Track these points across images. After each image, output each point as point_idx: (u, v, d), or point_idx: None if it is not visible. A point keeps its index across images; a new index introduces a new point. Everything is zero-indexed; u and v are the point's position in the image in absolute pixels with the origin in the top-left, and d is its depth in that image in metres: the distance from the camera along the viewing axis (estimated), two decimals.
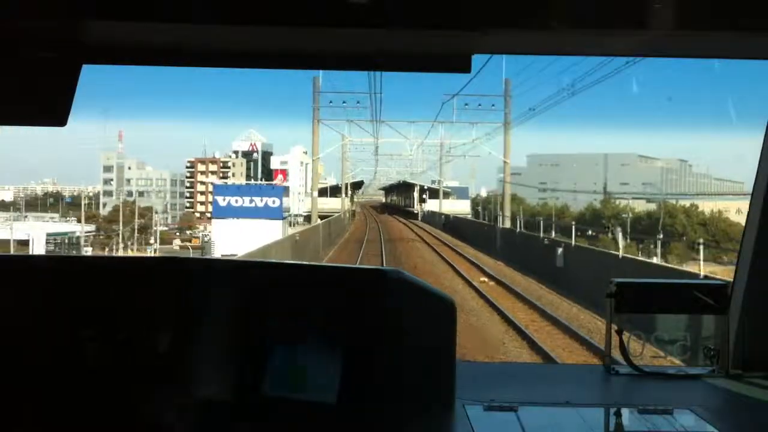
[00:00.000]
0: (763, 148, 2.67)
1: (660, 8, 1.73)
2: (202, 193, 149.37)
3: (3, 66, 1.84)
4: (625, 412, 2.40)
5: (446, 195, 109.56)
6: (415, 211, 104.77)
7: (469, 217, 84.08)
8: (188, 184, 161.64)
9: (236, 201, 58.64)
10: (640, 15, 1.75)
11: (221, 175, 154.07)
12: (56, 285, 2.23)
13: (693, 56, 2.14)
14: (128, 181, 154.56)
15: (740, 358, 2.70)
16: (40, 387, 2.14)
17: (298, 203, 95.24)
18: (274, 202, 57.93)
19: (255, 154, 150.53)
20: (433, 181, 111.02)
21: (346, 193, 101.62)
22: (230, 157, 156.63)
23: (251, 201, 59.37)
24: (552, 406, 2.37)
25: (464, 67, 2.00)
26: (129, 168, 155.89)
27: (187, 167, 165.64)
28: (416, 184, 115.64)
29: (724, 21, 1.75)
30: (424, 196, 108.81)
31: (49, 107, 1.91)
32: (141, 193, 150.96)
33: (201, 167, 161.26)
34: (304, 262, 2.66)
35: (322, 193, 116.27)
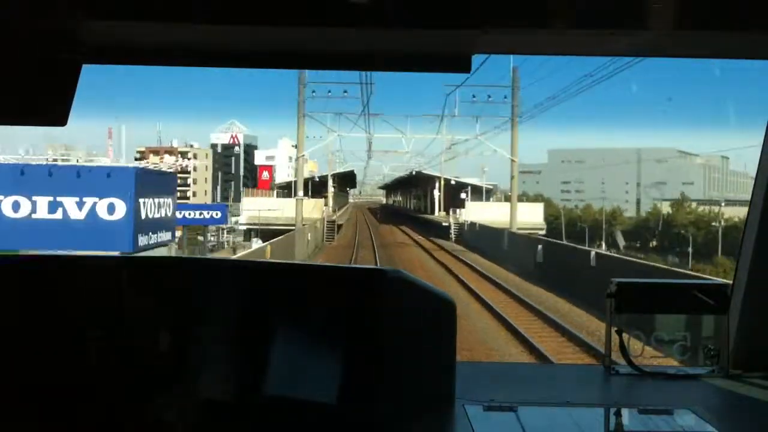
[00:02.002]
0: (763, 148, 2.83)
1: (660, 8, 1.85)
2: None
3: (3, 66, 1.98)
4: (625, 412, 2.56)
5: (477, 195, 74.76)
6: (444, 223, 63.64)
7: (545, 233, 49.88)
8: None
9: (30, 208, 23.84)
10: (640, 15, 1.88)
11: (178, 169, 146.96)
12: (56, 284, 2.36)
13: (693, 56, 2.31)
14: None
15: (740, 358, 2.86)
16: (40, 387, 2.28)
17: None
18: (112, 209, 24.29)
19: (237, 148, 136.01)
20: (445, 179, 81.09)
21: (308, 192, 67.36)
22: (191, 146, 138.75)
23: (58, 206, 24.00)
24: (552, 406, 2.52)
25: (464, 67, 2.16)
26: (77, 161, 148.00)
27: (136, 159, 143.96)
28: (438, 177, 78.68)
29: (724, 21, 1.88)
30: (463, 195, 71.90)
31: (49, 107, 2.06)
32: None
33: (153, 159, 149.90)
34: (304, 262, 2.84)
35: (285, 191, 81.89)
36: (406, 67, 2.26)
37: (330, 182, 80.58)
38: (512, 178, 53.04)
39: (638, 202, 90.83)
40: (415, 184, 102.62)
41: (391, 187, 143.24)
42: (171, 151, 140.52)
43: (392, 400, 2.30)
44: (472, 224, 56.05)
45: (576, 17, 1.91)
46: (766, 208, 2.83)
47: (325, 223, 61.29)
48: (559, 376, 3.17)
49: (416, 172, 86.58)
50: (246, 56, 2.15)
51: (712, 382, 2.85)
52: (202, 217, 47.27)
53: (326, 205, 70.17)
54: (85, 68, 2.09)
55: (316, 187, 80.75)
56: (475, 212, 61.08)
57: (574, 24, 1.92)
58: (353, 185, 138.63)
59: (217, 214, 48.62)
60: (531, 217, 56.83)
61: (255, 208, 64.52)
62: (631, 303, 2.91)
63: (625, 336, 2.92)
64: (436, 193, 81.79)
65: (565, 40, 2.09)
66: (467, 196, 71.83)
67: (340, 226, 68.12)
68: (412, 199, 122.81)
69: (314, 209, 61.79)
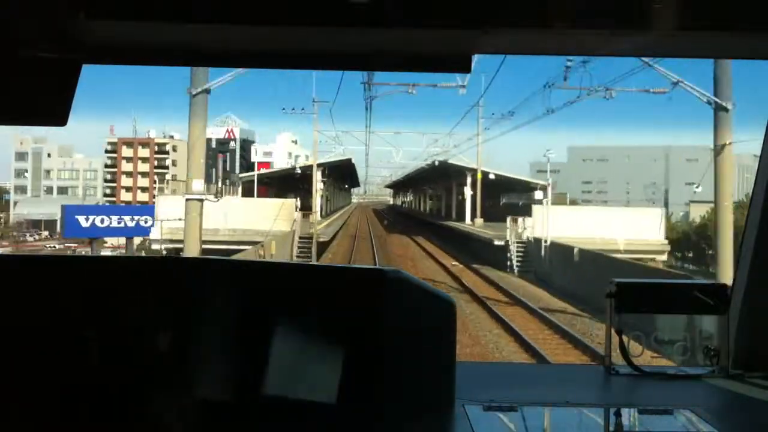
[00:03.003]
0: (763, 148, 2.91)
1: (660, 8, 1.90)
2: (127, 188, 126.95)
3: (3, 66, 2.03)
4: (625, 412, 2.64)
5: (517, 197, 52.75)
6: (497, 241, 41.46)
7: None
8: (108, 176, 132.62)
9: None
10: (640, 15, 1.93)
11: (156, 163, 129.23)
12: (56, 284, 2.42)
13: (693, 56, 2.40)
14: (48, 172, 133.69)
15: (740, 358, 2.94)
16: (39, 387, 2.33)
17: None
18: None
19: (232, 143, 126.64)
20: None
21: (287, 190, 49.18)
22: (170, 137, 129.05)
23: None
24: (552, 406, 2.60)
25: (464, 67, 2.24)
26: (49, 155, 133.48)
27: (107, 151, 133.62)
28: (472, 169, 54.74)
29: (724, 21, 1.94)
30: (539, 194, 45.62)
31: (49, 107, 2.12)
32: (64, 189, 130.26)
33: (127, 152, 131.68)
34: (304, 262, 2.94)
35: (246, 189, 57.13)
36: (406, 67, 2.34)
37: (317, 176, 55.07)
38: (718, 149, 21.15)
39: (666, 205, 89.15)
40: (433, 179, 79.61)
41: (400, 185, 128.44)
42: (147, 142, 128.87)
43: (392, 400, 2.36)
44: (557, 246, 33.12)
45: (576, 17, 1.96)
46: (766, 208, 2.91)
47: (296, 241, 39.07)
48: (559, 376, 3.24)
49: (439, 162, 62.20)
50: (246, 56, 2.22)
51: (712, 382, 2.92)
52: (121, 225, 33.25)
53: (298, 209, 45.40)
54: (88, 68, 2.17)
55: (302, 185, 61.77)
56: (551, 222, 36.95)
57: (574, 24, 1.97)
58: (356, 183, 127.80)
59: (145, 221, 33.56)
60: (638, 231, 35.11)
61: (173, 215, 36.33)
62: (632, 303, 2.97)
63: (625, 336, 2.99)
64: (467, 191, 56.83)
65: (565, 40, 2.15)
66: (545, 195, 44.06)
67: (325, 245, 45.09)
68: (427, 199, 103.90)
69: (281, 216, 41.00)
